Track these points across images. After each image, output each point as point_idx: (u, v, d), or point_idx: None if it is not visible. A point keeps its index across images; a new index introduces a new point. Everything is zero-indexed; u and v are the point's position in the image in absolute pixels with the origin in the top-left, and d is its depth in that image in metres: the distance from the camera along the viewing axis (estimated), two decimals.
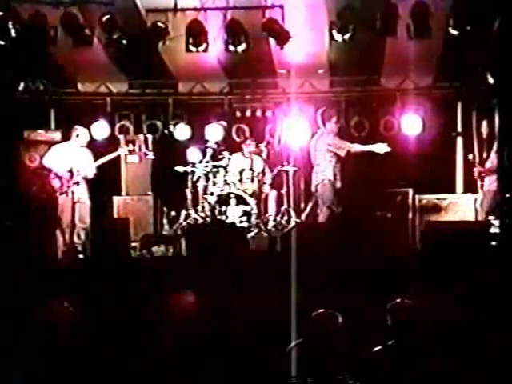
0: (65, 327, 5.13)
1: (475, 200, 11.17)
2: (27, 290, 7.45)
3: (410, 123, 11.82)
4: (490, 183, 10.80)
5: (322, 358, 5.30)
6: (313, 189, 10.96)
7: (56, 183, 10.62)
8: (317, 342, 5.41)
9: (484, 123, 11.17)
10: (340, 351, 5.46)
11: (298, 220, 11.33)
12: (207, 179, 11.57)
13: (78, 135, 10.92)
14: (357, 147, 10.94)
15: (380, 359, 5.13)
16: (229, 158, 11.65)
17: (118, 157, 12.71)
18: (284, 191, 11.62)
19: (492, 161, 10.78)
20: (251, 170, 11.58)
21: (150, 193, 12.65)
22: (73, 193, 10.60)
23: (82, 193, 10.76)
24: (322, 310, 5.67)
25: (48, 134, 12.08)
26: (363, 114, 12.27)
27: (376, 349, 5.20)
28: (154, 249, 10.97)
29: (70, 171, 10.66)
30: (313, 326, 5.43)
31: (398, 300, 5.28)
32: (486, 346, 5.33)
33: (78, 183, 10.67)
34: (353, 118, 12.30)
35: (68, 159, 10.72)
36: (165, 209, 12.10)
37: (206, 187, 11.57)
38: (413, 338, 5.08)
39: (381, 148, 10.77)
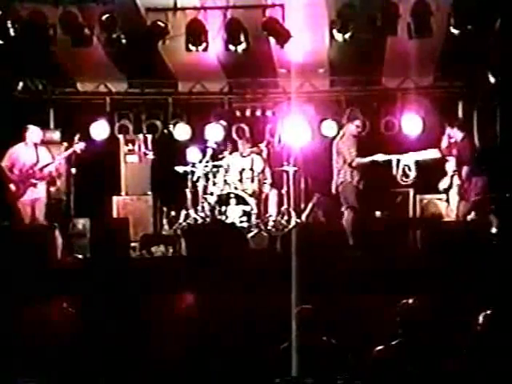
0: (65, 327, 5.10)
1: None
2: (27, 289, 7.43)
3: (411, 123, 11.78)
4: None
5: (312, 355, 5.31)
6: (333, 190, 10.74)
7: (12, 187, 10.55)
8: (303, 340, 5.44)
9: None
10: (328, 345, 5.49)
11: (298, 220, 11.30)
12: (207, 179, 11.54)
13: (30, 134, 10.80)
14: (358, 161, 10.66)
15: (381, 359, 5.11)
16: (229, 158, 11.63)
17: (118, 156, 12.75)
18: (284, 191, 11.60)
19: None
20: (251, 169, 11.56)
21: (149, 193, 12.64)
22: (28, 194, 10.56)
23: (37, 193, 10.66)
24: (302, 307, 5.70)
25: (47, 133, 12.03)
26: (363, 113, 12.22)
27: (378, 348, 5.17)
28: (154, 249, 10.95)
29: (28, 171, 10.58)
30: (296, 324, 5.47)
31: (407, 300, 5.26)
32: (488, 344, 5.29)
33: (34, 185, 10.59)
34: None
35: (26, 159, 10.64)
36: (164, 209, 12.09)
37: (205, 187, 11.55)
38: (414, 338, 5.06)
39: (381, 157, 10.59)
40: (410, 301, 5.24)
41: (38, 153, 10.68)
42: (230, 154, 11.78)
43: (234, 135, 12.56)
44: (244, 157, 11.78)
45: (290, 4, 9.76)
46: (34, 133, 10.77)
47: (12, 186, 10.53)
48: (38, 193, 10.62)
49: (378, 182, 11.18)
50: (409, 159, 10.43)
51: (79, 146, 10.76)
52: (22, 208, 10.49)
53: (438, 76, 12.17)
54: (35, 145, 10.70)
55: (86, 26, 9.86)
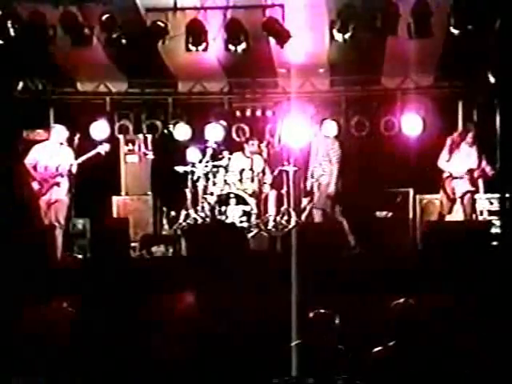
0: (64, 327, 5.10)
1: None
2: (27, 289, 7.43)
3: (411, 123, 11.78)
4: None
5: (319, 358, 5.30)
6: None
7: (35, 186, 10.47)
8: (314, 342, 5.44)
9: None
10: (336, 351, 5.49)
11: (298, 220, 11.30)
12: (207, 179, 11.54)
13: (55, 133, 10.76)
14: None
15: (381, 359, 5.10)
16: (229, 158, 11.63)
17: (118, 156, 12.75)
18: (284, 191, 11.59)
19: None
20: (251, 169, 11.56)
21: (149, 193, 12.64)
22: (50, 194, 10.47)
23: (59, 193, 10.62)
24: (319, 311, 5.70)
25: (47, 133, 12.02)
26: (363, 113, 12.23)
27: (376, 349, 5.17)
28: (154, 249, 10.97)
29: (52, 169, 10.50)
30: (310, 326, 5.47)
31: (401, 300, 5.25)
32: (487, 345, 5.30)
33: (58, 184, 10.53)
34: (353, 118, 12.27)
35: (50, 157, 10.59)
36: (164, 209, 12.09)
37: (205, 187, 11.55)
38: (414, 338, 5.05)
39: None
40: (404, 300, 5.24)
41: (63, 152, 10.62)
42: (231, 153, 11.77)
43: (234, 135, 12.57)
44: (248, 157, 11.79)
45: (290, 4, 9.76)
46: (58, 132, 10.70)
47: (35, 185, 10.45)
48: (59, 193, 10.50)
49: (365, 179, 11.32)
50: None
51: (104, 148, 10.73)
52: (42, 207, 10.43)
53: (438, 76, 12.17)
54: (60, 144, 10.63)
55: (86, 26, 9.87)
